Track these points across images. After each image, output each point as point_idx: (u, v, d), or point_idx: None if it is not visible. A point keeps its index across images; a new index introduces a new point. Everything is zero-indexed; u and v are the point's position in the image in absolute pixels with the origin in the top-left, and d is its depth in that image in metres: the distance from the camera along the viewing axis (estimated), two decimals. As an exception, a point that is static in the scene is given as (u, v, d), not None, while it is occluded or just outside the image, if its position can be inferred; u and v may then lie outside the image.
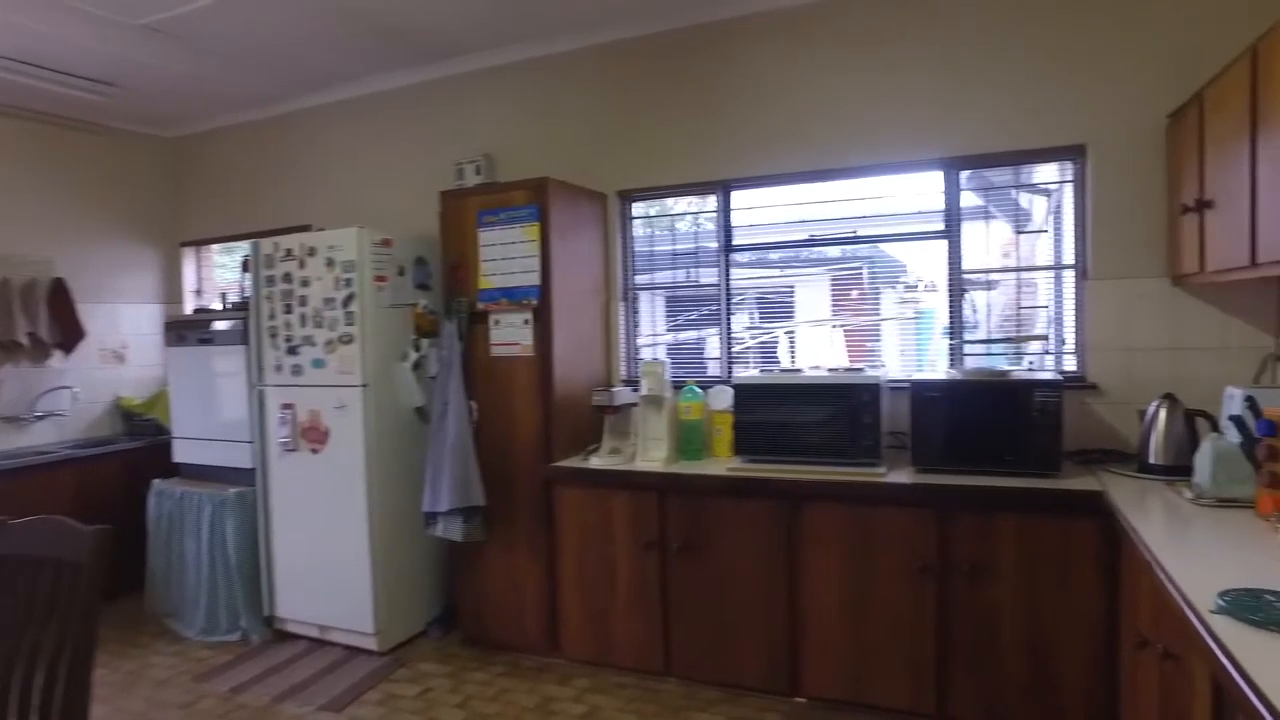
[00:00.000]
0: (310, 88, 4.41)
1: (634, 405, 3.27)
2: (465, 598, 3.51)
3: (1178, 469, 2.34)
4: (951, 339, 3.12)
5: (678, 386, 3.31)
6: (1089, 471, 2.59)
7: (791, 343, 3.60)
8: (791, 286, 3.78)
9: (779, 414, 2.88)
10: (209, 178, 5.09)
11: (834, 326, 3.62)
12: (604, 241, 3.71)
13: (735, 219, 3.55)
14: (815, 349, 3.58)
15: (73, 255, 4.80)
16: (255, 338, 3.68)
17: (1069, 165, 2.98)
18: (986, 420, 2.58)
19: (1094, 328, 2.87)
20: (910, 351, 3.37)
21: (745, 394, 2.96)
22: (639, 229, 3.79)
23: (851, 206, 3.38)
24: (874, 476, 2.66)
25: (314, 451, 3.54)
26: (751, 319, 3.75)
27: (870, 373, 2.86)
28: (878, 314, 3.51)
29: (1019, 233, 3.17)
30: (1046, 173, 3.13)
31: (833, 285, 3.67)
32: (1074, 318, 2.97)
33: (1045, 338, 2.93)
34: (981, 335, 3.17)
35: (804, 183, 3.40)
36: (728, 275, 3.57)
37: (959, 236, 3.13)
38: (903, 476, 2.67)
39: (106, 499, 4.28)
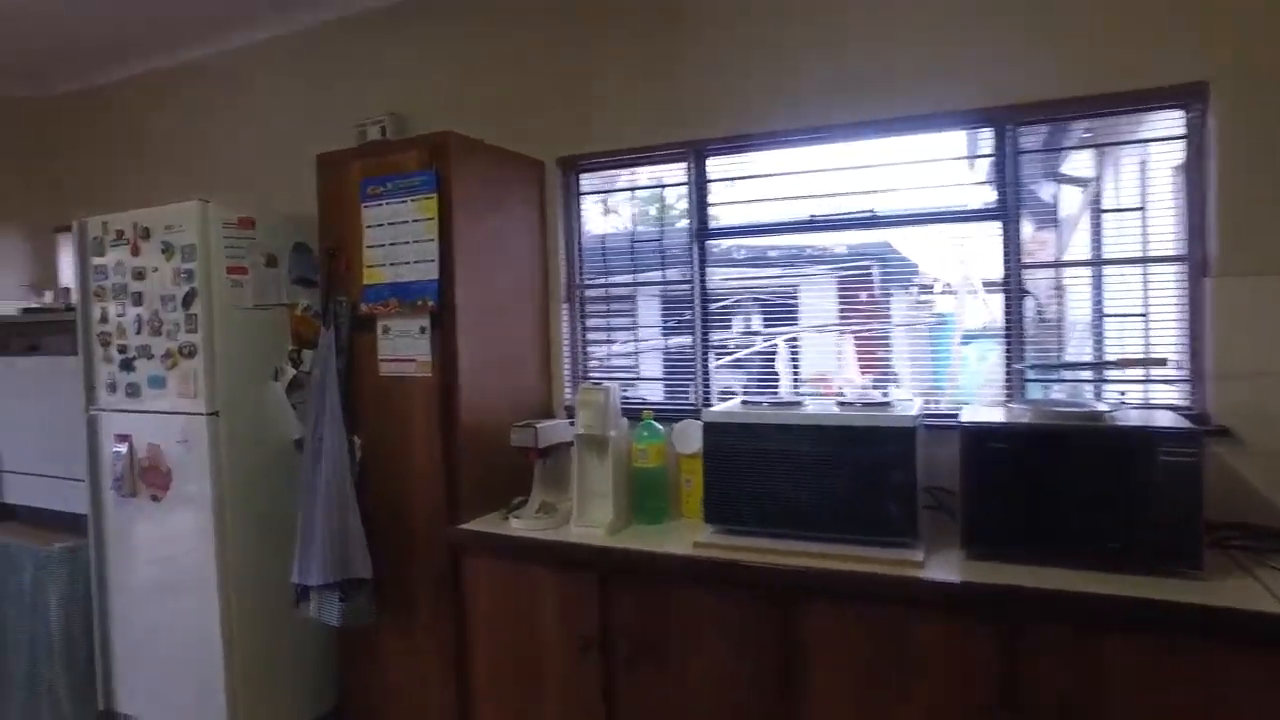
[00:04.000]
0: (189, 33, 3.53)
1: (571, 444, 2.41)
2: (354, 696, 2.64)
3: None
4: (1010, 360, 2.26)
5: (634, 419, 2.44)
6: (1234, 563, 1.73)
7: (793, 354, 2.72)
8: (795, 287, 2.89)
9: (767, 466, 2.01)
10: (90, 148, 4.20)
11: (841, 333, 2.75)
12: (541, 224, 2.84)
13: (716, 197, 2.69)
14: (822, 361, 2.70)
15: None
16: (83, 347, 2.81)
17: (1178, 115, 2.12)
18: (1080, 485, 1.72)
19: (1221, 346, 2.01)
20: (925, 364, 2.50)
21: (718, 436, 2.08)
22: (595, 209, 2.92)
23: (864, 179, 2.51)
24: (907, 566, 1.80)
25: (154, 499, 2.67)
26: (747, 325, 2.87)
27: (900, 408, 1.99)
28: (889, 319, 2.64)
29: (1099, 212, 2.30)
30: (1135, 126, 2.26)
31: (839, 286, 2.79)
32: (1184, 330, 2.11)
33: (1164, 361, 2.05)
34: (1042, 352, 2.30)
35: (800, 145, 2.53)
36: (703, 269, 2.70)
37: (1017, 216, 2.27)
38: (949, 567, 1.80)
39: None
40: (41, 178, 4.36)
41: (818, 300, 2.73)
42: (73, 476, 2.92)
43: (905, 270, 2.57)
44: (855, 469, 1.91)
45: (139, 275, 2.63)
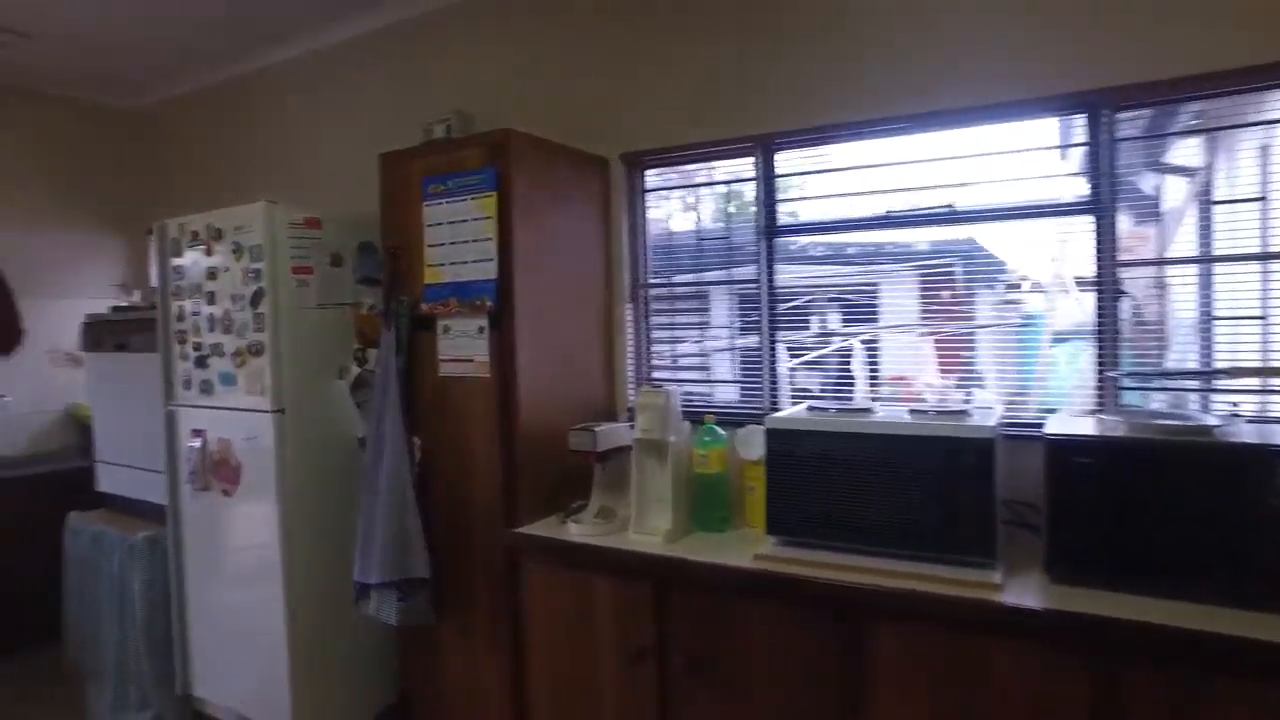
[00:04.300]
0: (268, 38, 3.62)
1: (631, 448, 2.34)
2: (417, 694, 2.65)
3: None
4: (1103, 366, 2.08)
5: (697, 422, 2.36)
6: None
7: (873, 355, 2.58)
8: (875, 286, 2.75)
9: (832, 476, 1.90)
10: (180, 153, 4.38)
11: (921, 334, 2.60)
12: (605, 222, 2.78)
13: (785, 193, 2.57)
14: (902, 362, 2.56)
15: (16, 243, 4.15)
16: (163, 344, 2.90)
17: (1301, 96, 1.90)
18: (1183, 506, 1.55)
19: (1351, 352, 1.79)
20: (1011, 367, 2.33)
21: (780, 443, 1.98)
22: (661, 207, 2.84)
23: (945, 172, 2.35)
24: (983, 588, 1.66)
25: (225, 494, 2.73)
26: (824, 324, 2.75)
27: (978, 417, 1.84)
28: (973, 319, 2.47)
29: (1208, 204, 2.09)
30: (1255, 107, 2.04)
31: (921, 285, 2.63)
32: (1306, 335, 1.89)
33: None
34: (1136, 357, 2.11)
35: (875, 137, 2.39)
36: (771, 267, 2.59)
37: (1112, 209, 2.08)
38: (1031, 591, 1.66)
39: (27, 526, 3.60)
40: (136, 182, 4.57)
41: (898, 299, 2.58)
42: (155, 469, 3.02)
43: (991, 268, 2.40)
44: (927, 481, 1.78)
45: (212, 275, 2.69)
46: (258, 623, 2.66)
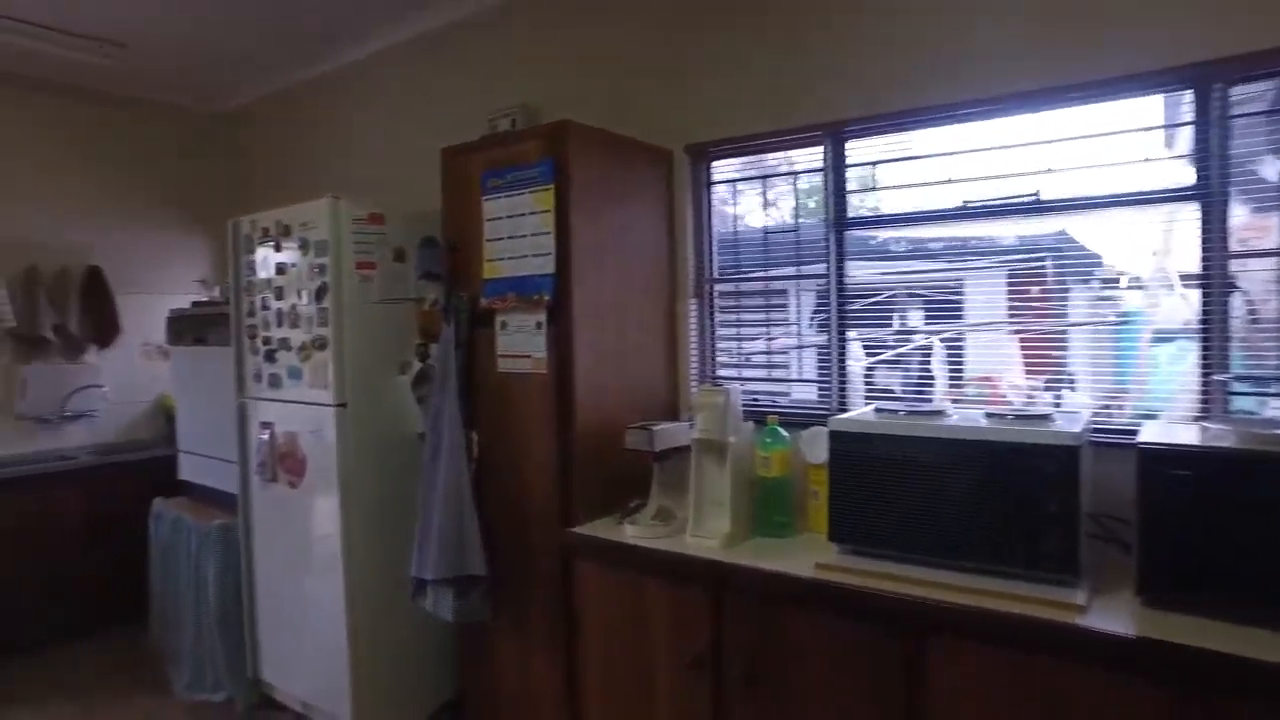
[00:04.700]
0: (345, 38, 3.68)
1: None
2: (473, 692, 2.64)
3: None
4: (1209, 368, 1.88)
5: (760, 423, 2.27)
6: None
7: (956, 353, 2.43)
8: (959, 282, 2.59)
9: (900, 482, 1.78)
10: (260, 153, 4.52)
11: (1008, 332, 2.43)
12: (668, 216, 2.70)
13: (858, 185, 2.45)
14: (988, 362, 2.40)
15: (113, 242, 4.37)
16: (235, 339, 2.97)
17: None
18: (1299, 529, 1.37)
19: None
20: (1106, 368, 2.14)
21: (845, 446, 1.87)
22: (727, 199, 2.75)
23: (1032, 158, 2.19)
24: (1065, 609, 1.52)
25: (291, 485, 2.78)
26: (903, 322, 2.61)
27: (1062, 422, 1.69)
28: (1065, 317, 2.29)
29: (1335, 188, 1.87)
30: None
31: (1009, 280, 2.46)
32: None
33: None
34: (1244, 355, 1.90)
35: (955, 122, 2.24)
36: (840, 262, 2.47)
37: (1223, 196, 1.89)
38: (1119, 615, 1.50)
39: (118, 512, 3.78)
40: (220, 182, 4.74)
41: (983, 296, 2.42)
42: (230, 459, 3.11)
43: (1085, 262, 2.22)
44: (1004, 491, 1.64)
45: (280, 271, 2.74)
46: (319, 614, 2.69)
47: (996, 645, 1.55)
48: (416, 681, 2.79)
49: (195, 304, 3.53)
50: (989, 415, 1.80)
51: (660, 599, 2.09)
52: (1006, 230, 2.35)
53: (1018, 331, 2.33)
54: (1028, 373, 2.31)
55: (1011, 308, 2.34)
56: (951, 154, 2.26)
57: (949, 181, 2.27)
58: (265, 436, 2.83)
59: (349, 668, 2.61)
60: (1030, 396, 2.25)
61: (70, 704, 3.18)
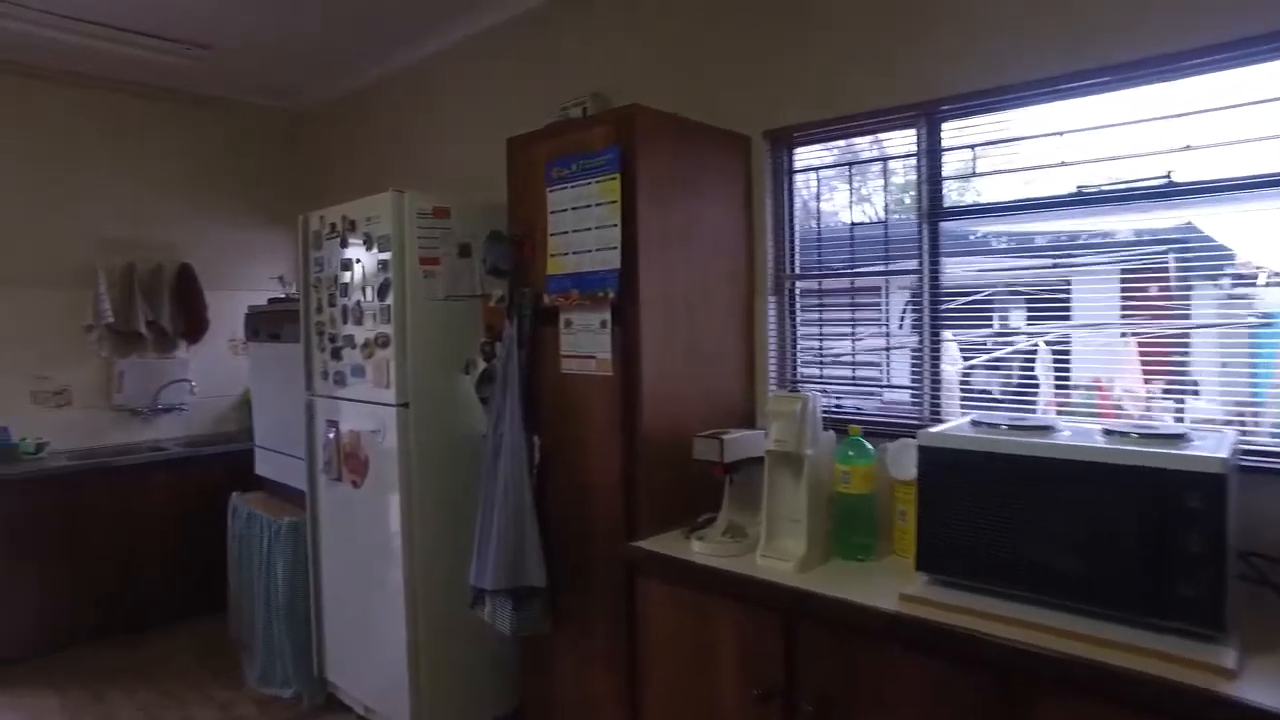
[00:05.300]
0: (418, 35, 3.64)
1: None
2: (532, 702, 2.53)
3: None
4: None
5: (842, 433, 2.06)
6: None
7: (1063, 357, 2.17)
8: (1068, 280, 2.32)
9: (999, 506, 1.55)
10: (340, 150, 4.55)
11: (1122, 335, 2.15)
12: (746, 207, 2.52)
13: (950, 169, 2.21)
14: (1098, 366, 2.13)
15: (202, 240, 4.48)
16: (304, 335, 2.95)
17: None
18: None
19: None
20: (1238, 377, 1.84)
21: (936, 464, 1.65)
22: (811, 188, 2.55)
23: (1157, 136, 1.91)
24: (1209, 673, 1.27)
25: (354, 485, 2.73)
26: (1005, 322, 2.36)
27: (1198, 442, 1.44)
28: (1189, 317, 2.00)
29: None
30: None
31: (1124, 278, 2.18)
32: None
33: None
34: None
35: (1066, 97, 1.98)
36: (935, 258, 2.24)
37: (1405, 177, 1.58)
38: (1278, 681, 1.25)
39: (203, 503, 3.86)
40: (297, 179, 4.80)
41: (1094, 294, 2.15)
42: (300, 456, 3.10)
43: (1214, 256, 1.93)
44: (1128, 523, 1.40)
45: (346, 267, 2.70)
46: (380, 618, 2.64)
47: (1117, 708, 1.31)
48: (476, 691, 2.70)
49: (271, 300, 3.56)
50: (1108, 433, 1.55)
51: (728, 623, 1.92)
52: (1123, 223, 2.08)
53: (1134, 333, 2.06)
54: (1144, 379, 2.03)
55: (1125, 308, 2.07)
56: (1062, 133, 2.00)
57: (1061, 165, 2.01)
58: (331, 435, 2.79)
59: (408, 673, 2.54)
60: (1147, 405, 1.98)
61: (147, 690, 3.24)
